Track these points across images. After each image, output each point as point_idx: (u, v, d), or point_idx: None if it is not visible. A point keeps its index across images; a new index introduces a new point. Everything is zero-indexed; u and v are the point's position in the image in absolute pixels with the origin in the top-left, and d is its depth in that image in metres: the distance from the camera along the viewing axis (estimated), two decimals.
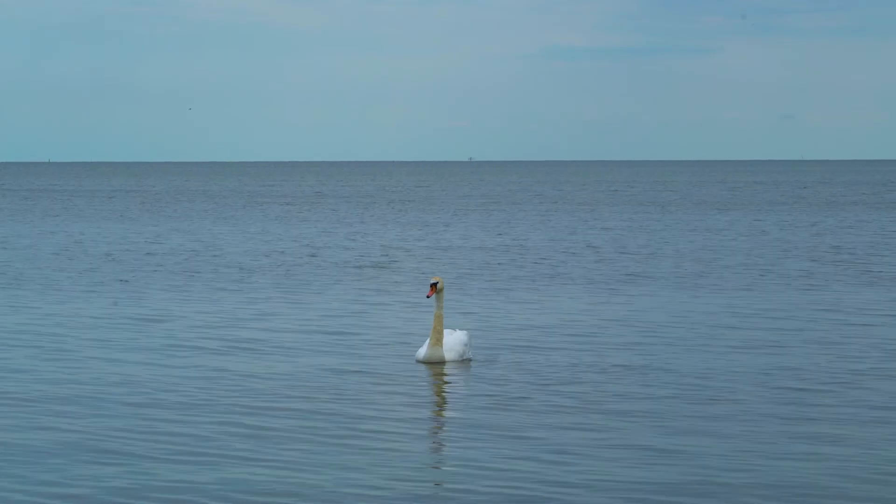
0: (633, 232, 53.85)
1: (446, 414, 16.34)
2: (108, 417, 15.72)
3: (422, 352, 19.94)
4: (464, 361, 19.84)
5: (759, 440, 14.39)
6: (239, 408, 16.32)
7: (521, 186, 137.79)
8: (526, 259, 39.78)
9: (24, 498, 12.20)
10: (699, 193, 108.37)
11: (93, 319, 25.22)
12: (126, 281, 27.56)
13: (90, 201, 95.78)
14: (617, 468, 13.20)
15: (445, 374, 18.92)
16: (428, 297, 20.07)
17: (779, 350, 20.87)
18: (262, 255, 42.10)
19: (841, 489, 12.48)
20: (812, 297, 28.72)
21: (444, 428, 15.46)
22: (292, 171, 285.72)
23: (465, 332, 20.37)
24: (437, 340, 19.77)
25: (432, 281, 19.82)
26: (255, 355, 20.65)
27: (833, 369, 18.96)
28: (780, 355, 20.29)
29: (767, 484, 12.60)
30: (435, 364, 19.61)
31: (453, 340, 19.96)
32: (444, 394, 17.71)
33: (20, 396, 17.12)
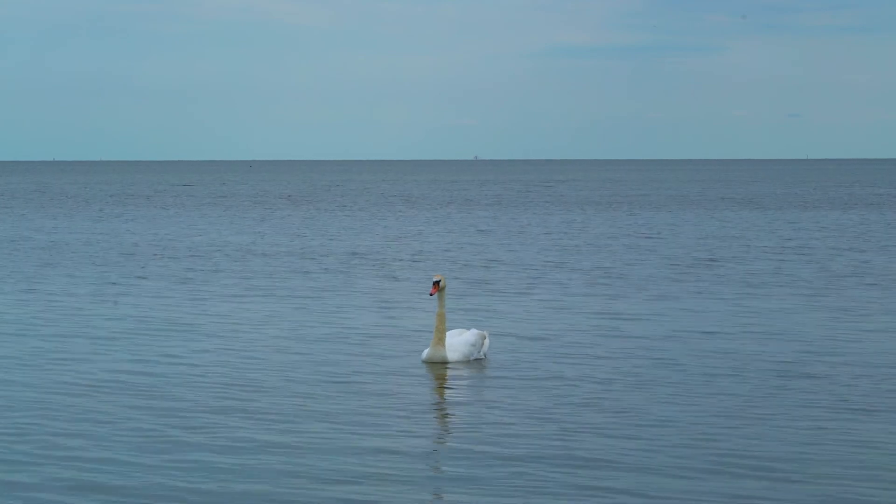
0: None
1: (440, 414, 16.13)
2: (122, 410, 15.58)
3: (425, 352, 19.67)
4: (471, 362, 19.52)
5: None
6: (239, 404, 16.19)
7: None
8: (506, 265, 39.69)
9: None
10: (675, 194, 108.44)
11: (92, 318, 25.10)
12: (117, 302, 27.46)
13: None
14: (619, 470, 13.02)
15: (445, 375, 18.64)
16: (431, 294, 19.73)
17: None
18: (264, 254, 42.01)
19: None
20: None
21: (438, 428, 15.26)
22: (291, 169, 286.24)
23: (475, 332, 20.01)
24: (439, 340, 19.47)
25: (435, 279, 19.50)
26: (256, 352, 20.51)
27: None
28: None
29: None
30: (437, 364, 19.34)
31: (459, 341, 19.65)
32: (438, 394, 17.45)
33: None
